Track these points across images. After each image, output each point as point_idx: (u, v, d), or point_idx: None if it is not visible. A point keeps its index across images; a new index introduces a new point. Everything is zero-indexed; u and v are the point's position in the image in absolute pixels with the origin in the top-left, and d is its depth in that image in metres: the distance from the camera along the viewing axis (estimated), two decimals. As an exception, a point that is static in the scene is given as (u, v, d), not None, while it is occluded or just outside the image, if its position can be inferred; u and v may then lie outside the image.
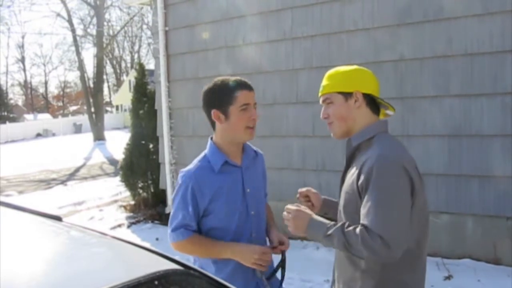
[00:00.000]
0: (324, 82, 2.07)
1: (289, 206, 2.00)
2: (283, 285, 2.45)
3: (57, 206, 9.06)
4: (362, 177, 1.83)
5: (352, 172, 1.93)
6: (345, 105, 2.00)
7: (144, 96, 8.04)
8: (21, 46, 63.12)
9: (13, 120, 48.35)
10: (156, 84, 7.31)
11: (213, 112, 2.25)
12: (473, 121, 4.77)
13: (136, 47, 57.03)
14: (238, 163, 2.32)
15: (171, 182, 7.11)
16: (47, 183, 13.37)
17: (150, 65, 33.62)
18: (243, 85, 2.26)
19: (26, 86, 65.42)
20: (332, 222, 1.88)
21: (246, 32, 6.24)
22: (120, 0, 30.81)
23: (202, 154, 2.34)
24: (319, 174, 5.72)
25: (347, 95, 2.00)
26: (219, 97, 2.25)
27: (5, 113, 49.35)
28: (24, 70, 64.58)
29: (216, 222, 2.27)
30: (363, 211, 1.80)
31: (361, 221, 1.79)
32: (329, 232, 1.83)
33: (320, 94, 2.08)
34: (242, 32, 6.27)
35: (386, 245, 1.71)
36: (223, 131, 2.28)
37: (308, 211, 1.97)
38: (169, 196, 7.17)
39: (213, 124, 2.32)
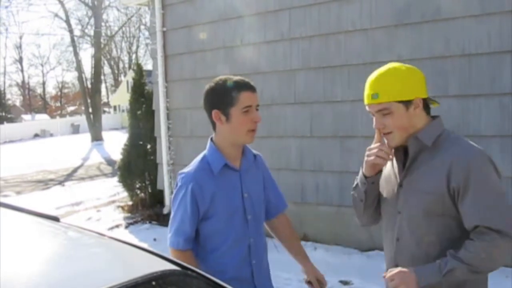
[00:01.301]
0: (376, 88, 1.88)
1: (388, 274, 1.85)
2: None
3: (54, 207, 9.05)
4: (457, 177, 1.77)
5: (431, 174, 1.84)
6: (406, 114, 1.86)
7: (142, 97, 8.03)
8: (19, 47, 62.91)
9: (11, 120, 48.37)
10: (154, 85, 7.30)
11: (214, 112, 2.19)
12: (471, 122, 4.77)
13: (134, 48, 56.96)
14: (237, 167, 2.27)
15: (168, 182, 7.11)
16: (44, 183, 13.35)
17: (148, 65, 33.66)
18: (246, 86, 2.19)
19: (24, 86, 65.32)
20: (436, 263, 1.78)
21: (244, 32, 6.24)
22: (117, 1, 30.80)
23: (202, 155, 2.29)
24: (317, 174, 5.72)
25: (407, 103, 1.85)
26: (220, 98, 2.19)
27: (3, 114, 49.37)
28: (22, 70, 64.46)
29: (216, 226, 2.24)
30: (468, 211, 1.76)
31: (472, 222, 1.75)
32: (445, 270, 1.75)
33: (373, 102, 1.89)
34: (240, 32, 6.27)
35: (510, 239, 1.71)
36: (224, 133, 2.22)
37: (405, 269, 1.82)
38: (167, 196, 7.16)
39: (213, 125, 2.25)
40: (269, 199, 2.44)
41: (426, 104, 1.93)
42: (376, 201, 2.11)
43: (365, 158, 2.00)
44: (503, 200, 1.79)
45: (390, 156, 1.97)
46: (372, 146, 1.98)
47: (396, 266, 1.95)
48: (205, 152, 2.29)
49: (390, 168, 2.05)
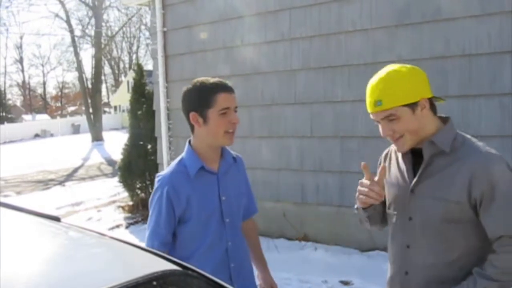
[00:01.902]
0: (379, 95, 1.81)
1: None
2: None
3: (55, 207, 9.06)
4: (480, 186, 1.72)
5: (448, 182, 1.79)
6: (414, 117, 1.80)
7: (142, 97, 8.04)
8: (19, 47, 63.07)
9: (11, 120, 48.37)
10: (155, 85, 7.31)
11: (191, 115, 2.19)
12: (471, 122, 4.77)
13: (134, 48, 57.02)
14: (215, 169, 2.25)
15: (169, 182, 7.11)
16: (45, 183, 13.36)
17: (148, 65, 33.68)
18: (223, 88, 2.17)
19: (24, 86, 65.40)
20: (463, 284, 1.74)
21: (244, 32, 6.24)
22: (118, 1, 30.81)
23: (179, 158, 2.28)
24: (317, 174, 5.72)
25: (413, 105, 1.79)
26: (197, 100, 2.18)
27: (3, 114, 49.36)
28: (22, 70, 64.56)
29: (192, 229, 2.22)
30: (491, 221, 1.73)
31: (496, 233, 1.73)
32: None
33: (377, 110, 1.82)
34: (240, 32, 6.27)
35: None
36: (201, 135, 2.21)
37: None
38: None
39: (191, 127, 2.24)
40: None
41: (431, 103, 1.87)
42: (382, 214, 2.08)
43: (357, 194, 1.96)
44: None
45: (381, 197, 1.91)
46: (364, 181, 1.92)
47: (406, 273, 1.92)
48: (182, 154, 2.28)
49: (396, 172, 1.98)
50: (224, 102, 2.15)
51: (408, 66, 1.87)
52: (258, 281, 2.46)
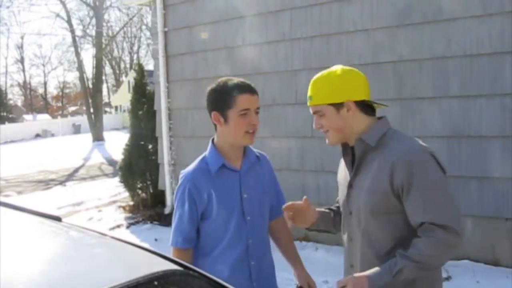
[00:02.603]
0: (310, 92, 2.01)
1: (340, 281, 1.84)
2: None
3: (56, 207, 9.05)
4: (399, 175, 1.80)
5: (376, 174, 1.87)
6: (338, 116, 1.94)
7: (143, 97, 8.04)
8: (20, 47, 63.08)
9: (12, 120, 48.37)
10: (155, 85, 7.31)
11: (213, 114, 2.22)
12: (472, 122, 4.77)
13: (135, 48, 57.00)
14: (237, 167, 2.28)
15: (170, 182, 7.12)
16: (46, 183, 13.36)
17: (149, 65, 33.66)
18: (245, 88, 2.19)
19: (25, 86, 65.41)
20: (386, 264, 1.80)
21: (245, 33, 6.24)
22: (119, 1, 30.80)
23: (202, 156, 2.32)
24: (318, 175, 5.72)
25: (338, 106, 1.93)
26: (219, 99, 2.20)
27: (4, 114, 49.37)
28: (23, 70, 64.59)
29: (213, 226, 2.26)
30: (412, 209, 1.79)
31: (417, 219, 1.79)
32: (395, 270, 1.76)
33: (309, 104, 2.02)
34: (241, 33, 6.28)
35: (457, 235, 1.74)
36: (223, 134, 2.25)
37: (357, 274, 1.84)
38: (168, 196, 7.17)
39: (214, 126, 2.28)
40: (271, 201, 2.43)
41: (367, 105, 1.97)
42: (336, 219, 2.24)
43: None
44: (447, 196, 1.81)
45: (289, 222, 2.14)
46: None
47: (351, 266, 2.03)
48: (205, 152, 2.32)
49: (343, 171, 2.11)
50: (244, 103, 2.17)
51: (347, 68, 2.00)
52: (294, 279, 2.47)
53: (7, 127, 38.63)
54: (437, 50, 4.90)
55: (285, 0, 5.83)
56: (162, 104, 7.10)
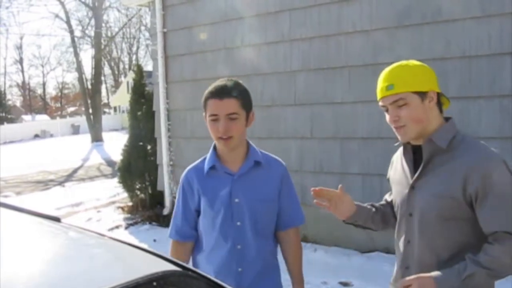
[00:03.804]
0: (392, 80, 1.87)
1: (405, 280, 1.79)
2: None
3: (54, 207, 9.04)
4: (474, 182, 1.75)
5: (446, 178, 1.82)
6: (422, 106, 1.85)
7: (142, 98, 8.04)
8: (19, 47, 63.05)
9: (11, 121, 48.34)
10: (154, 86, 7.31)
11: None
12: (471, 123, 4.77)
13: (134, 49, 57.03)
14: (233, 171, 2.24)
15: (168, 183, 7.11)
16: (44, 184, 13.35)
17: (148, 66, 33.70)
18: (213, 93, 2.15)
19: (24, 87, 65.38)
20: (454, 268, 1.75)
21: (244, 33, 6.25)
22: (118, 2, 30.81)
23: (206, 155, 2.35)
24: (317, 175, 5.72)
25: (423, 95, 1.85)
26: (202, 102, 2.23)
27: (3, 114, 49.31)
28: (22, 71, 64.59)
29: (204, 224, 2.29)
30: (487, 217, 1.75)
31: (491, 228, 1.74)
32: (465, 275, 1.71)
33: (388, 93, 1.87)
34: (240, 33, 6.28)
35: None
36: None
37: (423, 274, 1.77)
38: (167, 197, 7.17)
39: None
40: (279, 210, 2.34)
41: (439, 101, 1.93)
42: (376, 217, 2.19)
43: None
44: None
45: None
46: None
47: (407, 268, 1.96)
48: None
49: (401, 171, 2.04)
50: (211, 109, 2.15)
51: (419, 62, 1.97)
52: None
53: (6, 127, 38.59)
54: (436, 51, 4.91)
55: (284, 1, 5.83)
56: (161, 105, 7.09)
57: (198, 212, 2.30)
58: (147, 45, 48.58)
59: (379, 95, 1.93)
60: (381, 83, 1.92)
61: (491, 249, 1.72)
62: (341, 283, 4.75)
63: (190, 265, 1.86)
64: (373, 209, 2.21)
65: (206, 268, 2.25)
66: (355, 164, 5.31)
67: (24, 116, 56.58)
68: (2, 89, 57.72)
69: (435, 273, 1.76)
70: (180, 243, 2.36)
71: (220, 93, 2.14)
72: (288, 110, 5.93)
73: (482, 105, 4.73)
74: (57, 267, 1.34)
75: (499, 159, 1.80)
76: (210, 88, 2.19)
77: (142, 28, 47.53)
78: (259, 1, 6.06)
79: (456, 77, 4.82)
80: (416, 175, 1.91)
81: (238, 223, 2.22)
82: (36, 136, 38.61)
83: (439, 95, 1.93)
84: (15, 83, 66.76)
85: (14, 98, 68.37)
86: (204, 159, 2.32)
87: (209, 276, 1.55)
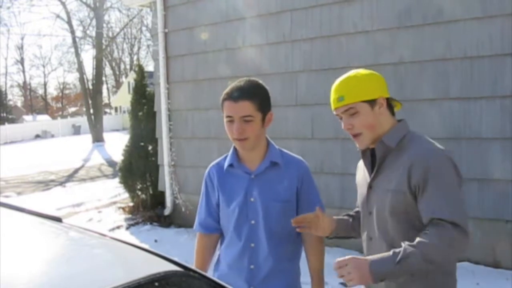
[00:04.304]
0: (341, 92, 2.01)
1: (339, 259, 1.79)
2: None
3: (55, 208, 9.05)
4: (416, 175, 1.83)
5: (395, 174, 1.90)
6: (372, 113, 1.97)
7: (143, 98, 8.03)
8: (21, 48, 63.15)
9: (12, 121, 48.44)
10: (156, 86, 7.31)
11: None
12: (472, 124, 4.77)
13: (135, 49, 57.13)
14: (251, 169, 2.28)
15: (170, 184, 7.11)
16: (45, 184, 13.36)
17: (149, 67, 33.60)
18: (228, 95, 2.18)
19: (25, 87, 65.43)
20: (390, 252, 1.77)
21: (245, 34, 6.25)
22: (119, 2, 30.81)
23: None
24: (318, 176, 5.70)
25: (372, 102, 1.96)
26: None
27: (4, 115, 49.46)
28: (23, 71, 64.73)
29: (222, 220, 2.38)
30: (425, 206, 1.81)
31: (428, 215, 1.79)
32: (399, 257, 1.72)
33: (339, 105, 2.01)
34: (241, 34, 6.28)
35: (465, 234, 1.73)
36: None
37: (359, 256, 1.81)
38: (168, 197, 7.17)
39: None
40: (299, 210, 2.33)
41: (389, 104, 2.04)
42: (355, 224, 2.28)
43: None
44: (459, 198, 1.83)
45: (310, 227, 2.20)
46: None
47: None
48: None
49: (362, 174, 2.16)
50: (227, 111, 2.18)
51: (368, 70, 2.07)
52: None
53: (7, 127, 38.66)
54: (437, 52, 4.91)
55: (285, 2, 5.83)
56: (162, 105, 7.10)
57: (219, 207, 2.38)
58: (148, 46, 48.59)
59: (332, 106, 2.07)
60: (332, 94, 2.06)
61: (425, 235, 1.76)
62: (342, 283, 4.75)
63: (191, 266, 1.87)
64: (350, 219, 2.31)
65: (222, 261, 2.38)
66: (356, 164, 5.29)
67: (25, 117, 56.61)
68: (3, 89, 57.89)
69: (371, 256, 1.80)
70: (204, 235, 2.43)
71: (235, 95, 2.16)
72: (289, 111, 5.93)
73: (483, 106, 4.73)
74: (58, 267, 1.34)
75: (442, 154, 1.89)
76: (228, 88, 2.21)
77: (143, 28, 47.70)
78: (260, 1, 6.06)
79: (457, 77, 4.82)
80: (372, 175, 2.03)
81: (252, 222, 2.27)
82: (37, 136, 38.65)
83: (388, 99, 2.03)
84: (16, 83, 66.96)
85: (15, 98, 68.60)
86: (226, 156, 2.37)
87: (210, 276, 1.55)
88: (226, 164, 2.32)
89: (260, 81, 2.29)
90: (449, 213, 1.76)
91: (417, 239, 1.76)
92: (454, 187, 1.84)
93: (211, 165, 2.42)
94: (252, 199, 2.26)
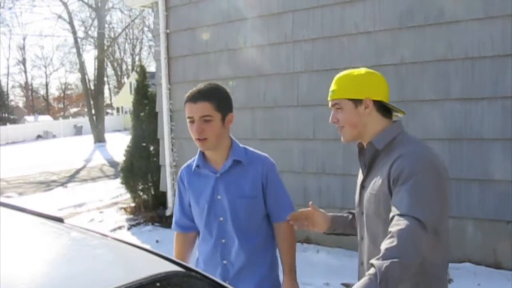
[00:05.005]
0: (333, 86, 2.05)
1: None
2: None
3: (57, 208, 9.05)
4: (393, 177, 1.82)
5: (380, 175, 1.91)
6: (355, 112, 1.99)
7: (145, 98, 8.04)
8: (22, 48, 63.20)
9: (13, 121, 48.45)
10: (157, 87, 7.32)
11: None
12: (473, 125, 4.77)
13: (137, 50, 57.17)
14: (216, 169, 2.38)
15: (171, 184, 7.12)
16: (47, 185, 13.37)
17: (151, 67, 33.70)
18: (188, 97, 2.32)
19: (27, 87, 65.52)
20: (366, 277, 1.57)
21: (247, 34, 6.25)
22: (121, 3, 30.85)
23: None
24: (319, 177, 5.72)
25: (357, 102, 1.98)
26: None
27: (6, 115, 49.48)
28: (25, 71, 64.99)
29: (195, 218, 2.48)
30: (392, 206, 1.77)
31: (392, 214, 1.74)
32: (379, 279, 1.54)
33: (329, 98, 2.07)
34: (243, 34, 6.28)
35: (422, 226, 1.67)
36: None
37: None
38: (170, 198, 7.17)
39: None
40: (267, 206, 2.43)
41: (385, 108, 2.01)
42: (354, 222, 2.26)
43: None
44: (430, 196, 1.75)
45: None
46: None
47: (361, 264, 2.14)
48: None
49: (360, 173, 2.18)
50: (188, 112, 2.32)
51: (370, 70, 2.06)
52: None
53: (9, 128, 38.69)
54: (439, 52, 4.90)
55: (287, 2, 5.84)
56: (164, 105, 7.10)
57: (191, 206, 2.49)
58: (150, 46, 48.59)
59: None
60: (330, 87, 2.10)
61: (387, 239, 1.65)
62: (343, 284, 4.75)
63: (193, 266, 1.87)
64: (350, 216, 2.33)
65: (199, 258, 2.50)
66: (357, 165, 5.29)
67: (26, 117, 56.60)
68: (5, 89, 57.90)
69: (355, 286, 1.61)
70: (181, 234, 2.54)
71: (194, 97, 2.30)
72: (291, 111, 5.93)
73: (484, 107, 4.72)
74: (60, 267, 1.34)
75: (419, 154, 1.85)
76: (188, 92, 2.34)
77: (145, 29, 47.73)
78: (262, 2, 6.07)
79: (459, 78, 4.82)
80: (364, 175, 2.07)
81: (221, 219, 2.37)
82: (39, 136, 38.69)
83: (384, 103, 2.00)
84: (17, 84, 67.08)
85: (17, 98, 68.65)
86: (195, 157, 2.47)
87: (211, 276, 1.55)
88: (193, 165, 2.43)
89: (220, 84, 2.38)
90: (411, 209, 1.68)
91: (381, 248, 1.63)
92: (427, 187, 1.76)
93: (182, 167, 2.53)
94: (219, 197, 2.36)
